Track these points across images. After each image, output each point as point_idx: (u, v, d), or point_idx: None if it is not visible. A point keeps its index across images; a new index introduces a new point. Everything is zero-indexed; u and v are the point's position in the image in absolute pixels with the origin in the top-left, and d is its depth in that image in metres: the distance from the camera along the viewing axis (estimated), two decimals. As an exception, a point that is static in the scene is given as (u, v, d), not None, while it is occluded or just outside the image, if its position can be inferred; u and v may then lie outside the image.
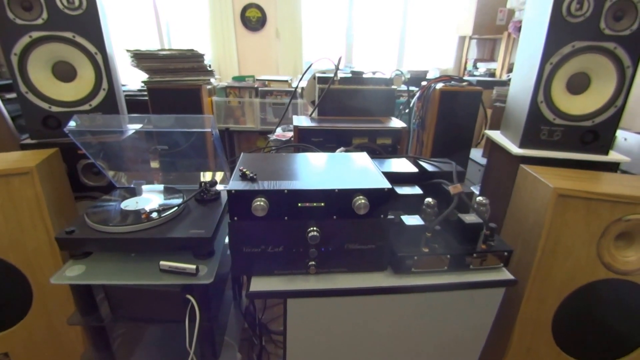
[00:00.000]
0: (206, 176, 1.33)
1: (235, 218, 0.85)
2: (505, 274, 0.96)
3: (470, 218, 0.95)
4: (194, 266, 0.93)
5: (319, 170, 0.99)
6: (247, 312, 1.63)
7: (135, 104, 2.35)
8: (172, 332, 1.26)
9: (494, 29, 3.54)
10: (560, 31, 1.28)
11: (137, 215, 1.03)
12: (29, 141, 1.47)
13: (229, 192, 0.82)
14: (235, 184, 0.85)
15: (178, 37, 4.12)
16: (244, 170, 0.90)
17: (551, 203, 1.10)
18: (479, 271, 0.95)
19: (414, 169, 1.13)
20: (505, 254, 0.95)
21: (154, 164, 1.35)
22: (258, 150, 1.70)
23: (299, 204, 0.85)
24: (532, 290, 1.21)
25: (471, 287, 0.94)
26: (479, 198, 0.99)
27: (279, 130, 1.77)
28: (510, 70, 3.36)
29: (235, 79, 3.08)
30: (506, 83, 2.82)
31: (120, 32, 3.92)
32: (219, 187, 1.21)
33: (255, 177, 0.89)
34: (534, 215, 1.19)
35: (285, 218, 0.86)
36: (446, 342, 1.04)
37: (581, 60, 1.31)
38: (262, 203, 0.81)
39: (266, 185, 0.85)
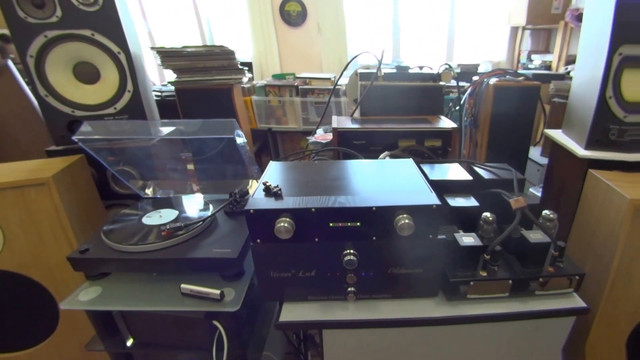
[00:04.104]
0: (242, 184, 1.23)
1: (258, 240, 0.74)
2: (577, 301, 0.82)
3: (535, 236, 0.81)
4: (217, 291, 0.83)
5: (354, 182, 0.86)
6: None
7: (170, 105, 2.26)
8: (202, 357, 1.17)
9: (549, 18, 3.26)
10: (630, 17, 1.10)
11: (159, 231, 0.94)
12: (54, 147, 1.41)
13: (246, 211, 0.71)
14: (256, 201, 0.74)
15: (220, 35, 4.02)
16: (268, 184, 0.79)
17: (627, 216, 0.95)
18: (545, 297, 0.82)
19: (468, 177, 0.99)
20: (577, 277, 0.80)
21: (182, 173, 1.25)
22: (299, 152, 1.59)
23: (330, 224, 0.73)
24: (604, 313, 1.06)
25: (536, 317, 0.80)
26: (546, 212, 0.85)
27: (319, 132, 1.66)
28: (567, 62, 3.12)
29: (274, 77, 2.97)
30: (564, 76, 2.60)
31: (161, 31, 3.87)
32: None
33: (279, 191, 0.77)
34: (607, 229, 1.03)
35: (316, 239, 0.74)
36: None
37: (656, 49, 1.13)
38: (286, 224, 0.69)
39: (291, 202, 0.74)
